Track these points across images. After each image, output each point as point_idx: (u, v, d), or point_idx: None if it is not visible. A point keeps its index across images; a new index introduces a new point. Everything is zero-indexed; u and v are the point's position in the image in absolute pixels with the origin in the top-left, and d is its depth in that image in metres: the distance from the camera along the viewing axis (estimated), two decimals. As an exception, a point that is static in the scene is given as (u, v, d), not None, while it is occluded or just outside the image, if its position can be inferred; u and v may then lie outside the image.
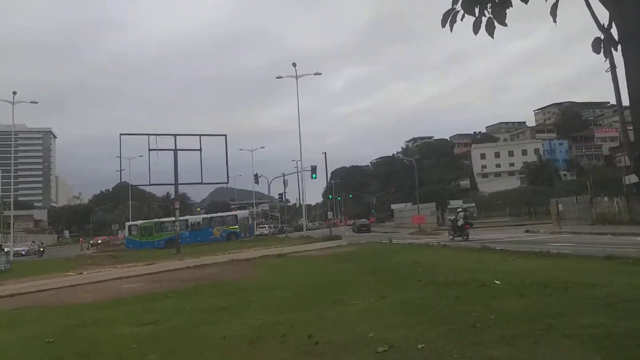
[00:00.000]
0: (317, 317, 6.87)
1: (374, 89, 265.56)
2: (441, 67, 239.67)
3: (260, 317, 7.31)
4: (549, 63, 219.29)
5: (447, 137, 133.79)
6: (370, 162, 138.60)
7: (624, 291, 6.87)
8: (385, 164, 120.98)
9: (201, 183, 33.12)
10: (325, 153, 40.79)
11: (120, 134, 31.30)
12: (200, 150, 31.49)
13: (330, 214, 42.98)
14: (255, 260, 19.10)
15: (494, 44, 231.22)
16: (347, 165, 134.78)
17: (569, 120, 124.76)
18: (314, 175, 41.78)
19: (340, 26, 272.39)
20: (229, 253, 24.21)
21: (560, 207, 37.90)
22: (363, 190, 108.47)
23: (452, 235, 26.92)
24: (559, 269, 9.92)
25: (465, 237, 25.68)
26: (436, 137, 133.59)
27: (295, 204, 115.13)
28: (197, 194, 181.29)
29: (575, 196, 39.09)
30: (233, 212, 55.91)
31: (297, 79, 39.74)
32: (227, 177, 33.66)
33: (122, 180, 50.12)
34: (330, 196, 46.85)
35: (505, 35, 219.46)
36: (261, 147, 72.06)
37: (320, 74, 40.51)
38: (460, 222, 26.43)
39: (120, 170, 32.92)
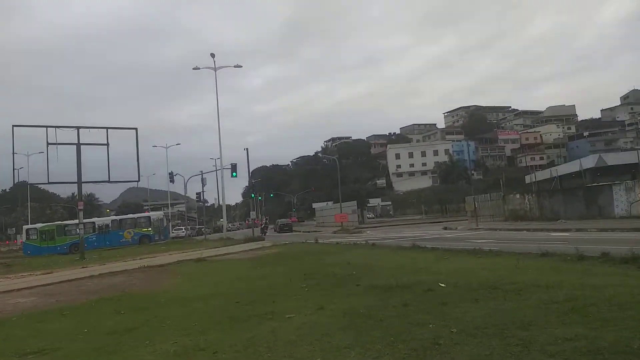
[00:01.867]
0: (248, 338, 5.68)
1: (293, 88, 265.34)
2: (356, 69, 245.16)
3: (176, 339, 5.99)
4: (456, 68, 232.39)
5: (364, 137, 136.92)
6: (291, 162, 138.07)
7: (582, 292, 6.39)
8: (306, 163, 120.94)
9: (108, 181, 30.17)
10: (247, 149, 38.85)
11: (13, 126, 27.64)
12: (107, 145, 28.65)
13: (252, 214, 41.23)
14: (171, 267, 17.32)
15: (404, 48, 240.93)
16: (268, 165, 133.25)
17: (475, 122, 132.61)
18: (234, 174, 39.94)
19: (259, 24, 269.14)
20: (140, 258, 22.03)
21: (473, 204, 39.36)
22: (284, 190, 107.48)
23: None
24: (500, 268, 9.50)
25: None
26: (354, 138, 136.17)
27: (213, 204, 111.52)
28: (107, 195, 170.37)
29: (489, 194, 40.84)
30: (146, 214, 52.32)
31: (215, 71, 37.75)
32: (138, 175, 30.98)
33: (21, 180, 44.88)
34: (252, 195, 44.99)
35: (416, 41, 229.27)
36: (177, 144, 69.37)
37: (241, 66, 38.78)
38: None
39: (14, 168, 28.90)
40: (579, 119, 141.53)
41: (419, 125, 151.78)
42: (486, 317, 5.63)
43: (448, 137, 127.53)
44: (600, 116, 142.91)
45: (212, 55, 38.34)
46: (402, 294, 7.50)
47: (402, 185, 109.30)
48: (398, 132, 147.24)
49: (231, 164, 40.73)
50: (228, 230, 71.67)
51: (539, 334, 4.76)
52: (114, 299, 10.29)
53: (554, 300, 6.07)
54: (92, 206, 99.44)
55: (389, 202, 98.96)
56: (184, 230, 68.14)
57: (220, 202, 45.86)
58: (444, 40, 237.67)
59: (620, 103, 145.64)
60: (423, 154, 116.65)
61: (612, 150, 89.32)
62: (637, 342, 4.18)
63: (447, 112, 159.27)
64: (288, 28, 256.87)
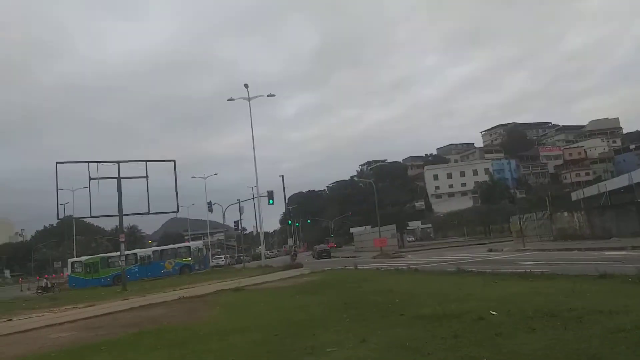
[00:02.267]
0: (287, 375, 5.33)
1: (324, 115, 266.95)
2: (387, 93, 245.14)
3: (213, 377, 5.69)
4: (489, 86, 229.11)
5: (399, 159, 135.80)
6: (327, 187, 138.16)
7: (655, 319, 5.74)
8: (342, 187, 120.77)
9: (148, 213, 30.71)
10: (282, 176, 39.10)
11: (57, 162, 28.65)
12: (146, 177, 29.30)
13: (290, 240, 41.03)
14: (209, 297, 17.16)
15: (435, 70, 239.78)
16: (304, 191, 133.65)
17: (514, 140, 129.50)
18: (270, 201, 40.10)
19: (289, 53, 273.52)
20: (180, 289, 22.05)
21: (518, 224, 37.89)
22: (320, 215, 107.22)
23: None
24: (555, 293, 8.80)
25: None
26: (389, 160, 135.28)
27: (252, 232, 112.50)
28: (149, 226, 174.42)
29: (534, 213, 39.28)
30: (186, 244, 53.01)
31: (249, 101, 38.41)
32: (177, 205, 31.51)
33: (67, 214, 46.59)
34: (289, 221, 44.85)
35: (446, 61, 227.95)
36: (214, 174, 69.85)
37: (274, 95, 39.44)
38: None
39: (58, 203, 29.80)
40: (624, 131, 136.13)
41: (456, 145, 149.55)
42: (546, 350, 5.08)
43: (487, 155, 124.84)
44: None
45: (246, 85, 39.13)
46: (451, 324, 6.98)
47: (441, 207, 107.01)
48: (434, 153, 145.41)
49: (267, 192, 40.95)
50: (266, 258, 71.91)
51: (611, 369, 4.21)
52: (152, 332, 10.13)
53: (620, 328, 5.44)
54: (135, 238, 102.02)
55: (429, 225, 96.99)
56: (223, 259, 68.63)
57: (259, 230, 45.92)
58: (474, 59, 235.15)
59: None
60: (462, 174, 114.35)
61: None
62: None
63: (484, 131, 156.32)
64: (317, 55, 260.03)
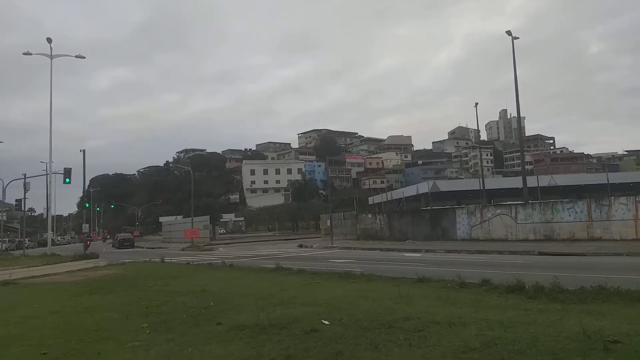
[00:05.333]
0: None
1: (143, 95, 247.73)
2: (213, 83, 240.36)
3: None
4: (309, 93, 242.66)
5: (219, 151, 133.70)
6: (138, 171, 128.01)
7: (495, 333, 5.40)
8: (155, 173, 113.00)
9: None
10: (84, 151, 33.53)
11: None
12: None
13: (85, 227, 35.63)
14: (-38, 293, 13.17)
15: (262, 68, 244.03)
16: (110, 173, 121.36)
17: (326, 145, 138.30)
18: (67, 180, 34.27)
19: (108, 22, 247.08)
20: None
21: (328, 222, 39.62)
22: (128, 201, 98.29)
23: None
24: (382, 297, 8.37)
25: None
26: (209, 151, 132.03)
27: (42, 214, 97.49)
28: None
29: (342, 213, 41.46)
30: (-55, 223, 42.53)
31: (51, 59, 32.22)
32: None
33: None
34: (87, 205, 38.97)
35: (274, 63, 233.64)
36: (-1, 142, 57.53)
37: (84, 57, 33.63)
38: None
39: None
40: (415, 148, 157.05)
41: (274, 143, 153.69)
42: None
43: (301, 157, 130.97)
44: (432, 147, 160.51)
45: (49, 40, 32.76)
46: (280, 337, 5.81)
47: (255, 202, 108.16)
48: (254, 148, 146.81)
49: (64, 169, 34.99)
50: (57, 244, 62.47)
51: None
52: None
53: (469, 345, 4.94)
54: None
55: (242, 218, 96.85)
56: (0, 243, 57.33)
57: (48, 211, 39.06)
58: (299, 65, 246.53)
59: (448, 137, 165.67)
60: (277, 172, 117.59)
61: (441, 177, 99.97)
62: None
63: (301, 133, 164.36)
64: (142, 32, 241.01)
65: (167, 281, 12.74)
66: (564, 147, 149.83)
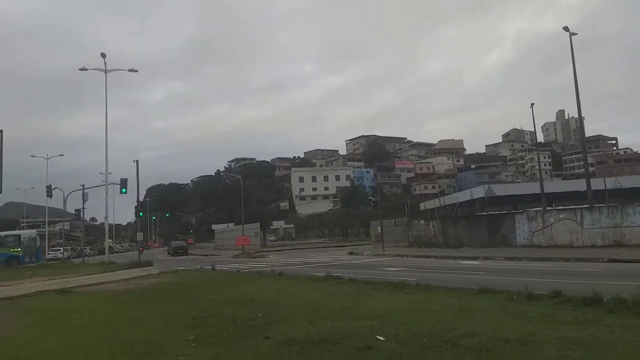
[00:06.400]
0: None
1: (195, 106, 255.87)
2: (261, 92, 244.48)
3: None
4: (357, 99, 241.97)
5: (268, 159, 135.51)
6: (191, 180, 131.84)
7: (577, 355, 4.70)
8: (207, 182, 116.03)
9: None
10: (137, 161, 34.56)
11: None
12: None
13: (140, 235, 36.68)
14: (22, 300, 13.57)
15: (309, 76, 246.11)
16: (165, 183, 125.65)
17: (374, 151, 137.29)
18: (123, 190, 35.49)
19: (161, 37, 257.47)
20: (-9, 287, 17.60)
21: (378, 229, 38.84)
22: (182, 210, 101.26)
23: None
24: (440, 310, 7.74)
25: None
26: (258, 159, 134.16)
27: (103, 223, 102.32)
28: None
29: (393, 219, 40.53)
30: (15, 232, 45.05)
31: (106, 73, 33.56)
32: (0, 184, 25.76)
33: None
34: (141, 213, 40.20)
35: (321, 70, 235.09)
36: (60, 155, 60.67)
37: (136, 71, 35.02)
38: None
39: None
40: (467, 152, 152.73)
41: (322, 150, 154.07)
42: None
43: (349, 163, 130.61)
44: (485, 151, 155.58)
45: (103, 55, 34.14)
46: (331, 355, 5.35)
47: (305, 209, 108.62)
48: (302, 156, 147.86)
49: (121, 179, 36.26)
50: (115, 252, 64.88)
51: None
52: None
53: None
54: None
55: (292, 225, 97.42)
56: (62, 251, 60.30)
57: (106, 220, 40.54)
58: (346, 71, 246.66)
59: (502, 140, 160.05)
60: (326, 179, 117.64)
61: (495, 182, 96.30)
62: None
63: (348, 140, 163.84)
64: (192, 44, 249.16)
65: (217, 290, 12.56)
66: (628, 148, 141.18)
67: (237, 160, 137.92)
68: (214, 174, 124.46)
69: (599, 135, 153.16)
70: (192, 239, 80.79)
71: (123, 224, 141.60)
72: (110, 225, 64.56)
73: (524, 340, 5.36)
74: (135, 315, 9.37)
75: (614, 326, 5.88)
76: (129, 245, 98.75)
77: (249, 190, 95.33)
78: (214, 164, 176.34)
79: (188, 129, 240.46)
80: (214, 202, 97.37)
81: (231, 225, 65.67)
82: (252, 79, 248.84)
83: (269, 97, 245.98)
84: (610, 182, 45.59)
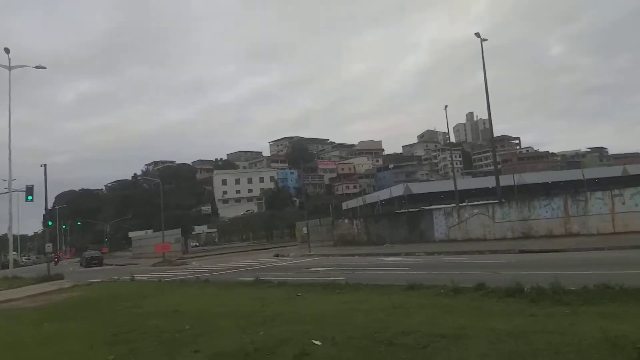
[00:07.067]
0: None
1: (112, 107, 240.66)
2: (182, 94, 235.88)
3: None
4: (281, 101, 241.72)
5: (189, 162, 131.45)
6: (105, 186, 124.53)
7: (510, 347, 4.83)
8: (123, 187, 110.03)
9: None
10: (44, 165, 31.85)
11: None
12: None
13: (48, 246, 33.77)
14: None
15: (232, 77, 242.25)
16: (77, 189, 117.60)
17: (298, 152, 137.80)
18: (29, 197, 32.52)
19: (72, 33, 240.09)
20: None
21: (304, 230, 38.93)
22: (95, 218, 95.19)
23: None
24: (374, 309, 7.75)
25: None
26: (178, 162, 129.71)
27: (6, 234, 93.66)
28: None
29: (319, 219, 40.80)
30: None
31: (10, 70, 30.62)
32: None
33: None
34: (50, 222, 36.97)
35: (244, 72, 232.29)
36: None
37: (44, 67, 32.02)
38: None
39: None
40: (385, 153, 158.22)
41: (245, 152, 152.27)
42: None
43: (273, 165, 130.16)
44: (402, 151, 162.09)
45: (7, 50, 31.08)
46: (267, 365, 5.11)
47: (228, 212, 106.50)
48: (225, 158, 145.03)
49: (27, 186, 33.16)
50: (21, 266, 59.52)
51: None
52: None
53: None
54: None
55: (215, 229, 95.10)
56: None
57: (9, 231, 36.93)
58: (269, 73, 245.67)
59: (417, 141, 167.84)
60: (249, 181, 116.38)
61: (412, 180, 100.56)
62: None
63: (272, 141, 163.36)
64: (109, 42, 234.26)
65: (137, 302, 11.77)
66: (530, 147, 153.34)
67: (155, 163, 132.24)
68: (130, 179, 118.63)
69: (504, 135, 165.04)
70: (106, 248, 76.31)
71: (29, 234, 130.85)
72: (15, 236, 59.20)
73: (458, 334, 5.46)
74: (46, 336, 8.49)
75: (538, 315, 6.18)
76: (36, 257, 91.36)
77: (169, 195, 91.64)
78: (131, 168, 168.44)
79: (103, 131, 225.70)
80: (130, 208, 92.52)
81: (150, 231, 62.72)
82: (173, 79, 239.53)
83: (190, 99, 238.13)
84: (515, 179, 49.30)
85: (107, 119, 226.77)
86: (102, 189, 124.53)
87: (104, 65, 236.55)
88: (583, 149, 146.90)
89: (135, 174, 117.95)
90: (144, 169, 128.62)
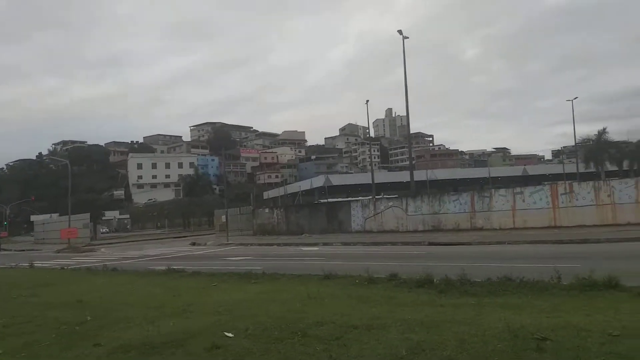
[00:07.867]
0: None
1: (15, 77, 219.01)
2: (97, 68, 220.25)
3: None
4: (204, 84, 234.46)
5: (102, 143, 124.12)
6: (6, 165, 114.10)
7: (420, 337, 5.00)
8: (26, 167, 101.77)
9: None
10: None
11: None
12: None
13: None
14: None
15: (152, 55, 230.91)
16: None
17: (220, 138, 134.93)
18: None
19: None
20: None
21: (223, 218, 38.32)
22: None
23: None
24: (289, 298, 7.73)
25: None
26: (90, 143, 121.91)
27: None
28: None
29: (239, 208, 40.24)
30: None
31: None
32: None
33: None
34: None
35: (166, 49, 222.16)
36: None
37: None
38: None
39: None
40: (308, 144, 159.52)
41: (164, 136, 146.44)
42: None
43: (193, 150, 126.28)
44: (324, 143, 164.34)
45: None
46: (175, 359, 4.89)
47: (143, 197, 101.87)
48: (141, 141, 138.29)
49: None
50: None
51: None
52: None
53: (396, 354, 4.47)
54: None
55: (127, 216, 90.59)
56: None
57: None
58: (194, 53, 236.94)
59: (339, 134, 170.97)
60: (167, 166, 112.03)
61: (332, 172, 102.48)
62: None
63: (193, 126, 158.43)
64: (16, 4, 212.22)
65: (36, 290, 10.87)
66: (442, 144, 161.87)
67: (64, 143, 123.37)
68: (35, 158, 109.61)
69: (419, 132, 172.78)
70: (6, 232, 69.99)
71: None
72: None
73: (370, 324, 5.58)
74: None
75: (446, 306, 6.49)
76: None
77: (78, 177, 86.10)
78: (36, 146, 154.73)
79: (4, 104, 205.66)
80: (34, 189, 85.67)
81: (55, 216, 58.49)
82: (88, 52, 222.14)
83: (105, 74, 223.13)
84: (427, 175, 51.81)
85: (11, 90, 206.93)
86: (2, 168, 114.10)
87: (10, 29, 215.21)
88: (489, 149, 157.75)
89: (40, 153, 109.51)
90: (51, 149, 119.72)
